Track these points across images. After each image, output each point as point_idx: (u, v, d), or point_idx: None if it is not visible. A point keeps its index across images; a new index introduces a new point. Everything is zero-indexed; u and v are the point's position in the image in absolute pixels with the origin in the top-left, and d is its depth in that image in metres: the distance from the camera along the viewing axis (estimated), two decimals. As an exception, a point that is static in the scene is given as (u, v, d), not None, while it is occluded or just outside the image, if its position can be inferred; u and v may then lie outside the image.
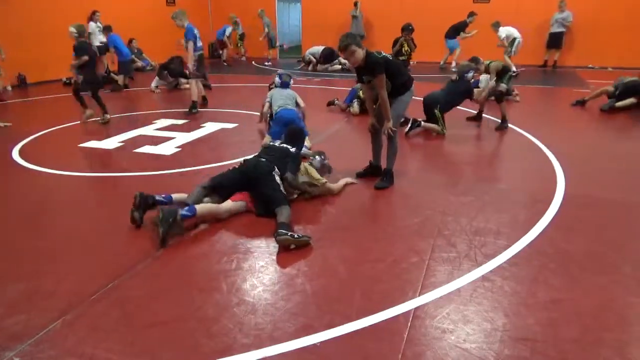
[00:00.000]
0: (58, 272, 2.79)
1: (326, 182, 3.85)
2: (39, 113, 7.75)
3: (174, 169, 4.67)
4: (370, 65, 3.77)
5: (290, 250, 2.98)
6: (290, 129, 4.20)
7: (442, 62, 12.44)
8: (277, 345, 2.14)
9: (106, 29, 10.32)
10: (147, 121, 6.82)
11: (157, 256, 2.96)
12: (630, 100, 7.07)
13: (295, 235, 3.00)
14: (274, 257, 2.93)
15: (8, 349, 2.12)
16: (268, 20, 13.75)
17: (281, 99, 5.56)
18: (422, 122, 5.92)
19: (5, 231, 3.39)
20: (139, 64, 12.01)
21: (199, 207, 3.28)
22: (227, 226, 3.37)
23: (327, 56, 12.09)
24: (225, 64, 14.08)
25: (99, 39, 10.96)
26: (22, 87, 9.94)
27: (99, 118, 6.72)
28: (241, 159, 3.83)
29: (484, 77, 7.06)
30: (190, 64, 7.13)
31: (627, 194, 3.95)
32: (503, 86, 6.22)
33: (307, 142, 4.81)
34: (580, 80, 10.28)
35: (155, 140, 5.75)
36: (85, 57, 6.28)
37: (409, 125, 5.86)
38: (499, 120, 6.21)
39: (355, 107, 7.06)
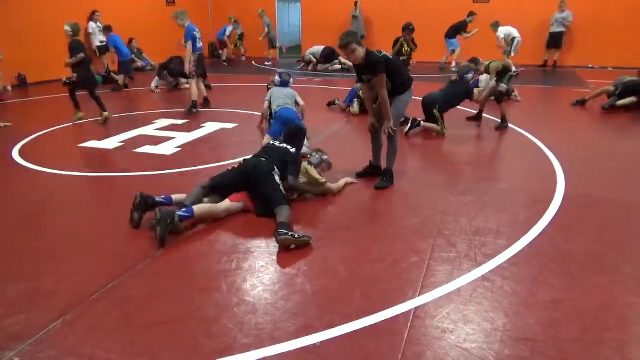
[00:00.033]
0: (58, 272, 2.79)
1: (326, 182, 3.85)
2: (39, 113, 7.75)
3: (174, 169, 4.67)
4: (370, 64, 3.76)
5: (290, 250, 2.98)
6: (289, 127, 4.19)
7: (442, 62, 12.44)
8: (278, 345, 2.14)
9: (106, 29, 10.33)
10: (147, 121, 6.82)
11: (157, 256, 2.96)
12: (632, 99, 7.07)
13: (296, 235, 3.00)
14: (274, 257, 2.93)
15: (8, 349, 2.12)
16: (268, 20, 13.75)
17: (281, 97, 5.56)
18: (422, 122, 5.92)
19: (5, 231, 3.39)
20: (139, 64, 12.01)
21: (197, 208, 3.28)
22: (227, 226, 3.37)
23: (328, 56, 12.10)
24: (225, 63, 14.09)
25: (99, 39, 10.99)
26: (23, 87, 9.94)
27: (97, 119, 6.74)
28: (241, 159, 3.83)
29: (484, 78, 7.05)
30: (186, 64, 7.16)
31: (627, 194, 3.95)
32: (503, 86, 6.22)
33: (305, 142, 4.81)
34: (580, 80, 10.28)
35: (156, 140, 5.75)
36: (82, 55, 6.32)
37: (409, 125, 5.86)
38: (499, 120, 6.22)
39: (356, 107, 7.06)
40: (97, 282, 2.64)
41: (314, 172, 3.81)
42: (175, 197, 3.50)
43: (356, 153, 4.91)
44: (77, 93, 6.69)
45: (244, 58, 14.91)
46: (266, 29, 13.66)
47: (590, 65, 12.18)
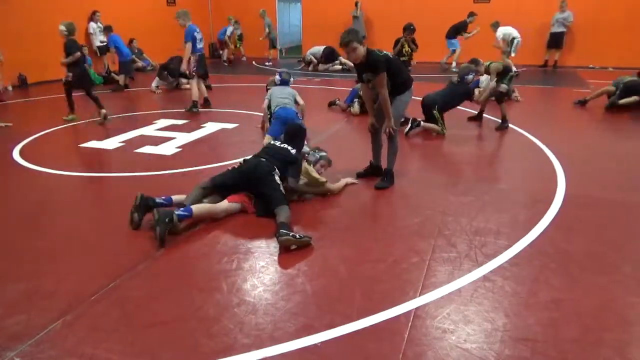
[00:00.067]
0: (58, 272, 2.79)
1: (326, 181, 3.85)
2: (39, 113, 7.75)
3: (175, 169, 4.66)
4: (371, 63, 3.76)
5: (290, 251, 2.98)
6: (289, 126, 4.17)
7: (442, 62, 12.43)
8: (278, 345, 2.13)
9: (107, 29, 10.33)
10: (147, 121, 6.82)
11: (157, 256, 2.96)
12: (634, 98, 7.06)
13: (297, 236, 3.00)
14: (275, 257, 2.93)
15: (8, 349, 2.12)
16: (269, 20, 13.75)
17: (280, 97, 5.55)
18: (422, 122, 5.92)
19: (5, 231, 3.39)
20: (140, 64, 12.01)
21: (196, 207, 3.28)
22: (228, 226, 3.37)
23: (328, 56, 12.09)
24: (225, 64, 14.09)
25: (99, 39, 10.99)
26: (23, 88, 9.94)
27: (96, 119, 6.75)
28: (241, 159, 3.83)
29: (484, 78, 7.05)
30: (184, 64, 7.20)
31: (627, 194, 3.95)
32: (503, 87, 6.22)
33: (305, 142, 4.81)
34: (581, 80, 10.27)
35: (156, 141, 5.75)
36: (78, 54, 6.39)
37: (409, 125, 5.86)
38: (500, 120, 6.22)
39: (356, 107, 7.06)
40: (97, 282, 2.64)
41: (314, 173, 3.81)
42: (175, 197, 3.50)
43: (356, 153, 4.91)
44: (73, 94, 6.73)
45: (244, 58, 14.92)
46: (267, 29, 13.66)
47: (590, 66, 12.17)
